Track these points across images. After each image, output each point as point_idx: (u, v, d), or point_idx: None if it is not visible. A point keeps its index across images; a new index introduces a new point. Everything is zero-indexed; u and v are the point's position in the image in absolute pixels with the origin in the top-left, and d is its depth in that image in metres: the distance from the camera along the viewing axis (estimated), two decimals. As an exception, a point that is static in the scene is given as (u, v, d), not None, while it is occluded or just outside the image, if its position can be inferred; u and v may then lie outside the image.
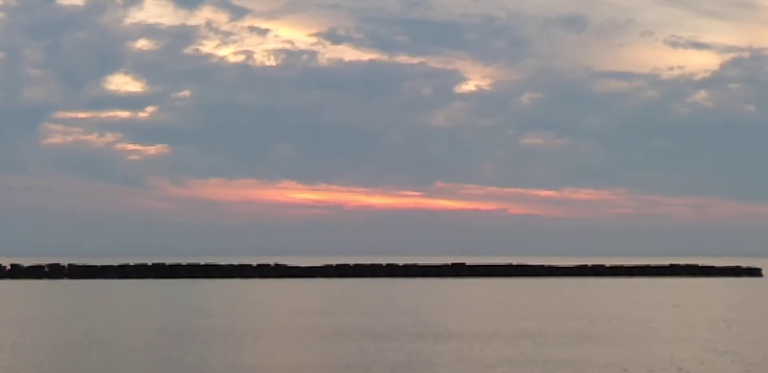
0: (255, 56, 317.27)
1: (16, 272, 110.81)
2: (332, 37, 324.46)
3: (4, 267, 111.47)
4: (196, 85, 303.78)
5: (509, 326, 44.40)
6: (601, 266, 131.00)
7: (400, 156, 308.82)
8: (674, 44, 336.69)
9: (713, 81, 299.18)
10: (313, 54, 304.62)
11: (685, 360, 31.24)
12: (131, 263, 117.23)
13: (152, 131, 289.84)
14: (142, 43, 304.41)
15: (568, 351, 33.91)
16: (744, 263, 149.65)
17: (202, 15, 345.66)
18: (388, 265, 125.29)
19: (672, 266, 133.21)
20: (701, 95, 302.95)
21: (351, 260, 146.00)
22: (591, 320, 48.48)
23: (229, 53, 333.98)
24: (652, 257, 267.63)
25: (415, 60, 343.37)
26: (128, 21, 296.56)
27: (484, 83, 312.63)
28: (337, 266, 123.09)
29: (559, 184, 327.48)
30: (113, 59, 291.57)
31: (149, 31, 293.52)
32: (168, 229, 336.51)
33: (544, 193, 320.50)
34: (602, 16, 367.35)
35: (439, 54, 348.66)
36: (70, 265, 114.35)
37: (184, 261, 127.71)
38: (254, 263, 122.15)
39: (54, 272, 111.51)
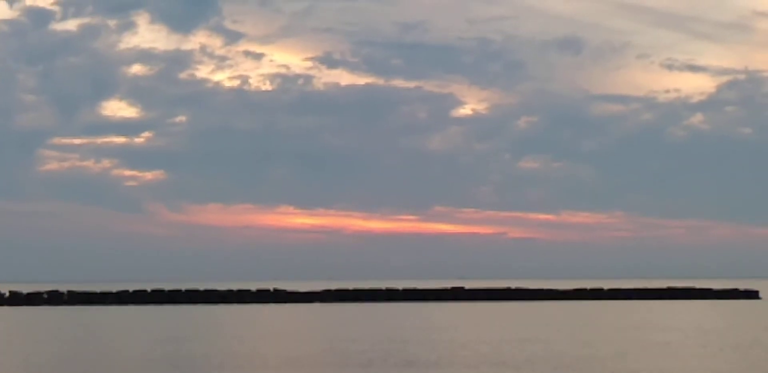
0: (250, 81, 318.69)
1: (15, 299, 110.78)
2: (328, 61, 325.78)
3: (3, 294, 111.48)
4: (191, 111, 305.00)
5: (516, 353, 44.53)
6: (600, 290, 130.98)
7: (398, 180, 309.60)
8: (670, 67, 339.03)
9: (709, 103, 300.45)
10: (308, 78, 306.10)
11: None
12: (130, 289, 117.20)
13: (149, 157, 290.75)
14: (136, 69, 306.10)
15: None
16: (742, 285, 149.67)
17: (197, 40, 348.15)
18: (387, 289, 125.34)
19: (670, 288, 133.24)
20: (697, 118, 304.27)
21: (350, 285, 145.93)
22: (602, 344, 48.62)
23: (224, 78, 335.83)
24: (650, 279, 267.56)
25: (411, 84, 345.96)
26: (122, 46, 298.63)
27: (481, 107, 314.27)
28: (336, 290, 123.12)
29: (557, 208, 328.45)
30: (108, 84, 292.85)
31: (144, 56, 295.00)
32: (166, 255, 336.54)
33: (542, 216, 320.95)
34: (598, 39, 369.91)
35: (435, 78, 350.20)
36: (69, 291, 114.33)
37: (183, 287, 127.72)
38: (253, 289, 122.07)
39: (53, 298, 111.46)
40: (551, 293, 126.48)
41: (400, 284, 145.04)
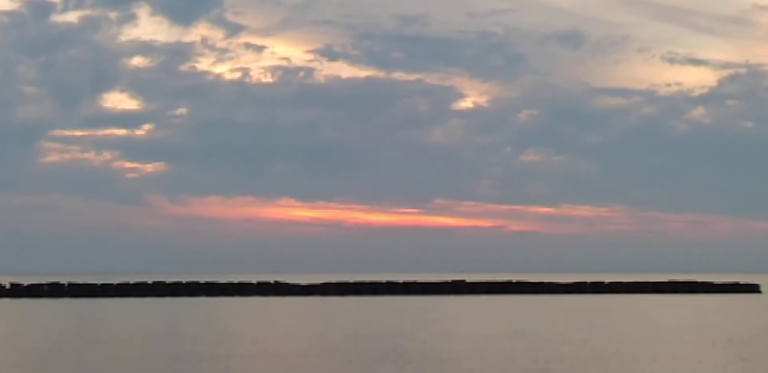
0: (251, 73, 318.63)
1: (16, 291, 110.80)
2: (328, 53, 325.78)
3: (4, 286, 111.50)
4: (192, 103, 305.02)
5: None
6: (601, 283, 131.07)
7: (398, 173, 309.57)
8: (671, 61, 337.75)
9: (710, 97, 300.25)
10: (309, 71, 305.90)
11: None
12: (131, 282, 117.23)
13: (149, 149, 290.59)
14: (137, 61, 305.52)
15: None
16: (742, 279, 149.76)
17: (198, 32, 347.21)
18: (388, 282, 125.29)
19: (671, 282, 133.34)
20: (699, 111, 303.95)
21: (350, 278, 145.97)
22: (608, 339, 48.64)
23: (225, 70, 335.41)
24: (650, 273, 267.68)
25: (412, 77, 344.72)
26: (123, 38, 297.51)
27: (482, 100, 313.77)
28: (337, 283, 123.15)
29: (558, 201, 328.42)
30: (109, 76, 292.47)
31: (144, 48, 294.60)
32: (167, 247, 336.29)
33: (543, 209, 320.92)
34: (599, 32, 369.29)
35: (436, 71, 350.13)
36: (69, 283, 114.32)
37: (183, 279, 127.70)
38: (254, 281, 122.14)
39: (54, 290, 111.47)
40: (552, 286, 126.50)
41: (400, 277, 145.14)
